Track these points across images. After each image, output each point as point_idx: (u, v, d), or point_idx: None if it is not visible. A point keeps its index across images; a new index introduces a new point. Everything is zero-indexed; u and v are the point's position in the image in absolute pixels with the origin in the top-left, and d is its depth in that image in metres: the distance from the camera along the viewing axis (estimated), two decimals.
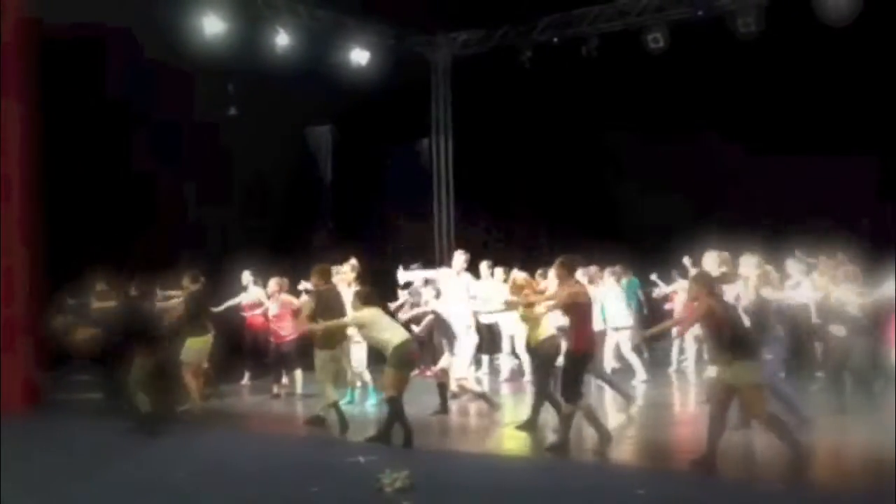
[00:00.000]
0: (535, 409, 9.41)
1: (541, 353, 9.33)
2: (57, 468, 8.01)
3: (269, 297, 12.13)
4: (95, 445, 9.01)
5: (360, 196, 17.41)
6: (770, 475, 7.38)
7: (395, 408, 8.62)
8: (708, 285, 7.51)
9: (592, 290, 10.30)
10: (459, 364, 10.46)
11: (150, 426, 9.28)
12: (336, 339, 9.71)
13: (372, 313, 8.92)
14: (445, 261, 18.31)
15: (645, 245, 14.88)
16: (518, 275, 10.20)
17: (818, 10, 13.53)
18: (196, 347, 10.60)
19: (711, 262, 9.51)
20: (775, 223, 13.82)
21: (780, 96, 14.72)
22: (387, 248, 16.41)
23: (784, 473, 7.18)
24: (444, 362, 10.55)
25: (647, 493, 6.71)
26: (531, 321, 9.32)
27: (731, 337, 7.27)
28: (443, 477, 7.37)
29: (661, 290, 13.76)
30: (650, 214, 15.69)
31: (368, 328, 8.92)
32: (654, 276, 13.87)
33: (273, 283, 11.96)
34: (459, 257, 11.21)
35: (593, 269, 11.58)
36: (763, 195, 14.82)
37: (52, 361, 11.71)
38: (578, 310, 8.36)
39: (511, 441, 9.40)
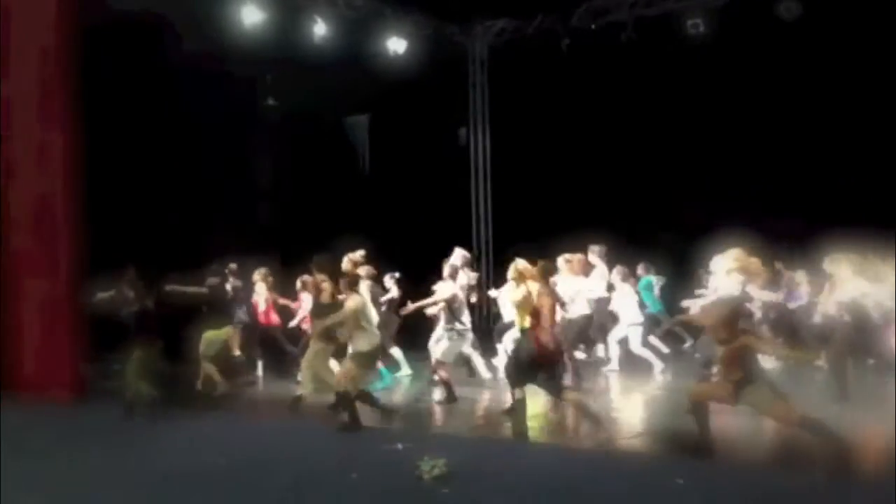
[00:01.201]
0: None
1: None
2: (102, 457, 8.13)
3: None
4: (135, 434, 9.14)
5: (397, 185, 17.40)
6: (807, 467, 7.26)
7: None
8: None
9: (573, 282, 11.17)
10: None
11: (153, 412, 9.49)
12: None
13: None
14: (483, 253, 18.38)
15: (682, 239, 14.66)
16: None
17: None
18: (212, 339, 10.88)
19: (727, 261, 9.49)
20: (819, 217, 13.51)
21: (824, 80, 14.42)
22: (423, 238, 16.36)
23: (822, 465, 7.06)
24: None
25: (686, 482, 6.66)
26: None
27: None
28: (480, 464, 7.37)
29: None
30: (689, 206, 15.47)
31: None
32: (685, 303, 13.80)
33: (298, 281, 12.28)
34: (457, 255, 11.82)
35: (577, 256, 11.78)
36: (809, 185, 14.53)
37: (96, 350, 11.88)
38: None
39: (548, 429, 9.38)
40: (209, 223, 14.63)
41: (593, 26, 16.60)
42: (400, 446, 7.86)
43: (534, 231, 15.87)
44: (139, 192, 14.17)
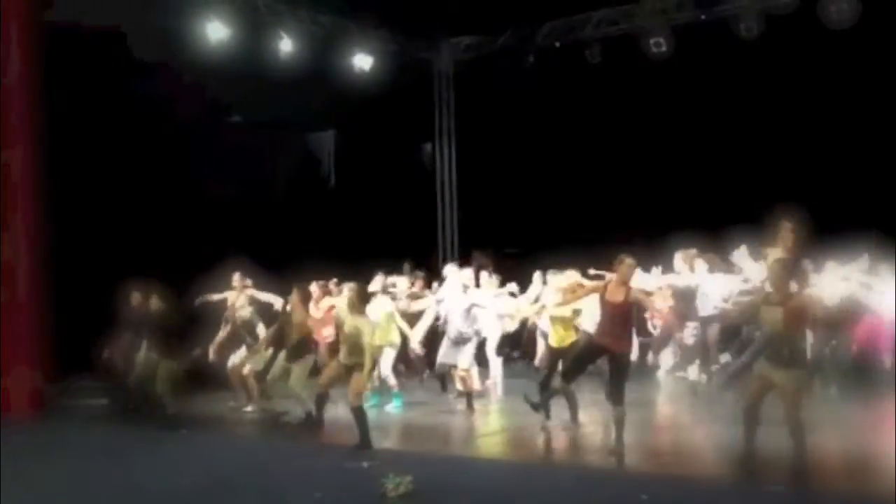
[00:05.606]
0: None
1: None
2: (62, 474, 8.03)
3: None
4: (99, 451, 9.04)
5: (363, 201, 17.40)
6: (773, 478, 7.35)
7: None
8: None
9: None
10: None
11: (172, 424, 9.90)
12: None
13: None
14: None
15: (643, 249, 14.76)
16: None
17: (820, 13, 13.56)
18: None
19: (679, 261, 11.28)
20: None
21: (783, 100, 14.69)
22: (389, 253, 16.38)
23: (786, 476, 7.15)
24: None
25: (650, 498, 6.71)
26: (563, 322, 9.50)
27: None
28: (445, 482, 7.37)
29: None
30: (654, 219, 15.64)
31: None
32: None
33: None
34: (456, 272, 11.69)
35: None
36: (764, 198, 14.75)
37: (57, 369, 11.75)
38: None
39: (513, 446, 9.41)
40: (172, 238, 14.48)
41: (558, 44, 16.78)
42: (365, 464, 7.85)
43: (500, 245, 15.97)
44: (99, 206, 14.01)
